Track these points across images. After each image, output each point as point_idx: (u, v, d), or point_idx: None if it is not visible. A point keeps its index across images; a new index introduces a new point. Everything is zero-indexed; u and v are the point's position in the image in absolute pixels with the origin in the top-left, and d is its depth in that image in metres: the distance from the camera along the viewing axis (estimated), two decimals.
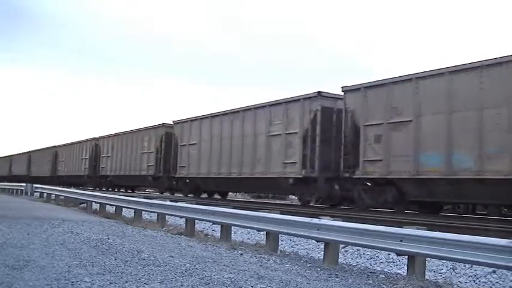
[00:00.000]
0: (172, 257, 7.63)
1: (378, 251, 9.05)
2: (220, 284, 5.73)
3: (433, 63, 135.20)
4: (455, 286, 6.84)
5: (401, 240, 6.79)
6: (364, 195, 16.50)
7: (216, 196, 27.84)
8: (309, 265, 7.84)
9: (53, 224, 12.04)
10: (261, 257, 8.35)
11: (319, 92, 18.10)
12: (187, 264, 6.93)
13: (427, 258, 7.23)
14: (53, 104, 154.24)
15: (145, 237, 10.33)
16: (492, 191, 12.99)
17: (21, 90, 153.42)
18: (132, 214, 15.13)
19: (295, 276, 6.60)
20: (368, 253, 9.38)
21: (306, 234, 8.43)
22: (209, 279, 5.93)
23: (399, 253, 7.14)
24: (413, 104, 14.61)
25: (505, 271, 7.12)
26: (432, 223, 10.90)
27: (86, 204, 19.38)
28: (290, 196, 34.52)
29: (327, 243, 8.01)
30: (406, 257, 7.12)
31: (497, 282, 7.34)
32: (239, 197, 35.87)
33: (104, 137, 38.66)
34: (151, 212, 14.60)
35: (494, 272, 7.49)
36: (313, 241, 9.61)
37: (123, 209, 16.18)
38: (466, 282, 7.41)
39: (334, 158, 17.78)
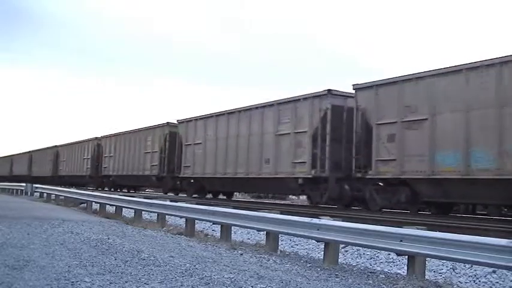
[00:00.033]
0: (172, 257, 7.62)
1: (378, 251, 9.05)
2: (220, 284, 5.73)
3: (433, 63, 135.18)
4: (455, 286, 6.84)
5: (401, 240, 6.79)
6: (376, 196, 16.16)
7: (221, 196, 27.53)
8: (309, 265, 7.84)
9: (53, 224, 12.04)
10: (261, 257, 8.35)
11: (329, 90, 17.71)
12: (187, 264, 6.93)
13: (427, 258, 7.23)
14: (53, 104, 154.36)
15: (145, 237, 10.33)
16: None
17: (21, 90, 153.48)
18: (132, 214, 15.13)
19: (295, 276, 6.59)
20: (368, 253, 9.38)
21: (306, 234, 8.43)
22: (209, 279, 5.93)
23: (399, 253, 7.14)
24: (428, 102, 14.24)
25: (505, 271, 7.12)
26: (432, 223, 10.91)
27: (86, 204, 19.37)
28: (290, 196, 34.47)
29: (327, 243, 8.01)
30: (406, 257, 7.12)
31: (497, 282, 7.34)
32: (239, 197, 35.84)
33: (106, 136, 38.33)
34: (151, 212, 14.59)
35: (494, 272, 7.49)
36: (313, 241, 9.61)
37: (123, 209, 16.17)
38: (466, 282, 7.41)
39: (344, 157, 17.46)
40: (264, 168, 20.43)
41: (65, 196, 22.92)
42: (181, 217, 12.65)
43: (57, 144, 49.69)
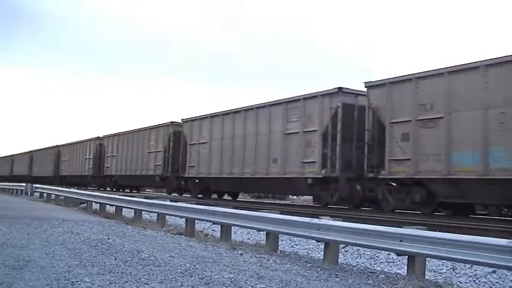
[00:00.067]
0: (172, 257, 7.63)
1: (378, 251, 9.05)
2: (220, 284, 5.73)
3: (433, 63, 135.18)
4: (455, 286, 6.84)
5: (401, 240, 6.79)
6: (389, 197, 15.71)
7: (226, 197, 27.16)
8: (309, 265, 7.84)
9: (53, 224, 12.04)
10: (261, 257, 8.35)
11: (339, 88, 17.31)
12: (187, 264, 6.93)
13: (427, 258, 7.23)
14: (53, 104, 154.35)
15: (145, 237, 10.33)
16: None
17: (21, 90, 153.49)
18: (132, 214, 15.13)
19: (295, 276, 6.60)
20: (368, 253, 9.38)
21: (306, 234, 8.43)
22: (209, 279, 5.93)
23: (399, 253, 7.14)
24: (444, 100, 13.79)
25: (505, 271, 7.12)
26: (432, 223, 10.91)
27: (86, 204, 19.37)
28: (290, 196, 34.39)
29: (327, 243, 8.01)
30: (406, 257, 7.12)
31: (497, 282, 7.34)
32: (239, 197, 35.76)
33: (109, 136, 37.86)
34: (151, 212, 14.59)
35: (494, 272, 7.49)
36: (313, 241, 9.61)
37: (123, 209, 16.18)
38: (466, 282, 7.41)
39: (355, 157, 17.12)
40: (271, 168, 20.00)
41: (65, 196, 22.92)
42: (181, 217, 12.65)
43: (59, 144, 49.41)
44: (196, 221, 12.11)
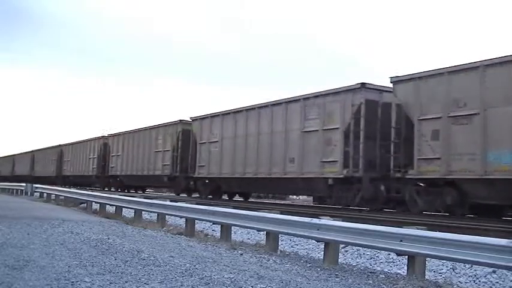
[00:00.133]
0: (172, 257, 7.62)
1: (378, 251, 9.05)
2: (220, 284, 5.73)
3: (434, 63, 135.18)
4: (455, 286, 6.84)
5: (401, 240, 6.79)
6: (418, 198, 14.91)
7: (237, 198, 26.60)
8: (309, 265, 7.84)
9: (53, 224, 12.04)
10: (261, 257, 8.34)
11: (362, 84, 16.58)
12: (187, 264, 6.93)
13: (427, 258, 7.23)
14: (54, 104, 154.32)
15: (145, 237, 10.32)
16: None
17: (21, 90, 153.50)
18: (132, 214, 15.12)
19: (295, 276, 6.59)
20: (368, 253, 9.38)
21: (306, 234, 8.43)
22: (209, 279, 5.93)
23: (399, 253, 7.14)
24: (480, 95, 13.04)
25: (505, 271, 7.12)
26: (432, 223, 10.90)
27: (86, 204, 19.37)
28: (291, 196, 34.26)
29: (327, 243, 8.01)
30: (406, 257, 7.12)
31: (497, 282, 7.34)
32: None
33: (114, 135, 37.24)
34: (151, 212, 14.59)
35: (494, 272, 7.49)
36: (313, 241, 9.61)
37: (123, 209, 16.17)
38: (466, 282, 7.41)
39: (379, 155, 16.48)
40: (288, 167, 19.25)
41: (65, 196, 22.91)
42: (181, 217, 12.65)
43: (61, 143, 48.87)
44: (196, 221, 12.11)
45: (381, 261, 8.96)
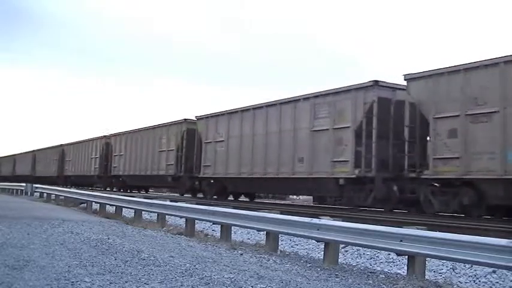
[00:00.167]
0: (172, 257, 7.63)
1: (378, 251, 9.05)
2: (220, 284, 5.73)
3: (433, 63, 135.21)
4: (455, 286, 6.84)
5: (401, 240, 6.79)
6: (433, 199, 14.52)
7: (243, 198, 26.22)
8: (309, 265, 7.84)
9: (53, 224, 12.04)
10: (261, 257, 8.35)
11: (375, 81, 16.14)
12: (187, 264, 6.93)
13: (427, 258, 7.23)
14: (54, 104, 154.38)
15: (145, 237, 10.33)
16: None
17: (21, 90, 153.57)
18: (132, 214, 15.13)
19: (295, 276, 6.59)
20: (368, 253, 9.38)
21: (306, 234, 8.43)
22: (209, 279, 5.93)
23: (399, 253, 7.14)
24: (500, 92, 12.66)
25: (505, 271, 7.12)
26: (432, 223, 10.90)
27: (86, 204, 19.38)
28: (291, 196, 34.23)
29: (327, 243, 8.01)
30: (406, 257, 7.12)
31: (497, 282, 7.34)
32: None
33: (116, 134, 36.63)
34: (151, 212, 14.59)
35: (494, 272, 7.49)
36: (313, 241, 9.61)
37: (123, 209, 16.18)
38: (466, 282, 7.41)
39: (392, 155, 16.11)
40: (297, 167, 18.82)
41: (65, 196, 22.92)
42: (181, 217, 12.65)
43: (63, 143, 48.34)
44: (196, 221, 12.11)
45: (381, 261, 8.97)
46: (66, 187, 34.37)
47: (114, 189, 35.35)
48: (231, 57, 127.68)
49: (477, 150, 13.17)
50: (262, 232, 10.12)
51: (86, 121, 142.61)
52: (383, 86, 16.32)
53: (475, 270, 7.69)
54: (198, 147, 25.57)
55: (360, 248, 9.22)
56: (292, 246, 10.63)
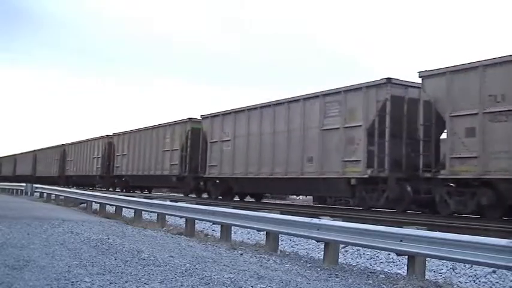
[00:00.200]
0: (172, 257, 7.63)
1: (378, 251, 9.05)
2: (220, 284, 5.73)
3: (434, 63, 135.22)
4: (455, 286, 6.84)
5: (401, 240, 6.79)
6: (449, 199, 14.18)
7: (249, 199, 25.86)
8: (309, 265, 7.84)
9: (53, 224, 12.04)
10: (261, 257, 8.35)
11: (388, 79, 15.76)
12: (187, 264, 6.93)
13: (427, 258, 7.23)
14: (54, 104, 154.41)
15: (145, 237, 10.33)
16: None
17: (21, 90, 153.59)
18: (132, 214, 15.13)
19: (295, 276, 6.60)
20: (368, 253, 9.38)
21: (306, 234, 8.43)
22: (209, 279, 5.93)
23: (399, 253, 7.14)
24: None
25: (505, 271, 7.12)
26: (432, 223, 10.90)
27: (86, 204, 19.38)
28: (291, 196, 34.16)
29: (327, 243, 8.01)
30: (406, 257, 7.12)
31: (497, 282, 7.34)
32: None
33: (119, 134, 36.13)
34: (151, 212, 14.59)
35: (494, 272, 7.49)
36: (313, 241, 9.61)
37: (123, 209, 16.18)
38: (466, 282, 7.41)
39: (405, 154, 15.83)
40: (306, 167, 18.45)
41: (65, 196, 22.92)
42: (181, 217, 12.65)
43: (64, 142, 47.81)
44: (196, 221, 12.11)
45: (381, 261, 8.97)
46: (67, 187, 34.28)
47: (116, 190, 34.99)
48: (231, 57, 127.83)
49: (496, 150, 12.85)
50: (262, 232, 10.12)
51: (87, 121, 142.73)
52: (396, 84, 16.00)
53: (475, 270, 7.69)
54: (203, 147, 25.25)
55: (360, 248, 9.22)
56: (292, 246, 10.63)
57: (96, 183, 39.57)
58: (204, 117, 25.46)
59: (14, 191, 33.85)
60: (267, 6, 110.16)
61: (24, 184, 33.24)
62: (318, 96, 18.35)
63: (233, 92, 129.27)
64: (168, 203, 14.29)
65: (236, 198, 24.87)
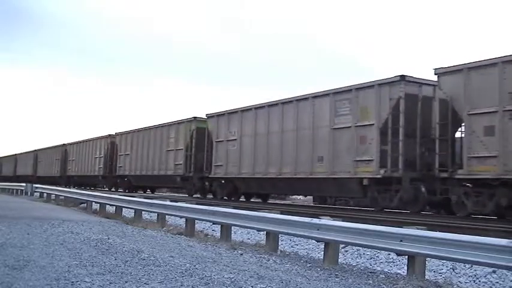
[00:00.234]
0: (172, 257, 7.63)
1: (378, 251, 9.05)
2: (220, 284, 5.73)
3: (433, 63, 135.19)
4: (455, 286, 6.84)
5: (401, 240, 6.79)
6: (466, 200, 13.77)
7: (255, 199, 25.50)
8: (309, 265, 7.84)
9: (53, 224, 12.05)
10: (261, 257, 8.35)
11: (402, 76, 15.31)
12: (187, 264, 6.93)
13: (427, 258, 7.23)
14: (54, 104, 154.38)
15: (145, 237, 10.33)
16: None
17: (21, 90, 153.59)
18: (132, 214, 15.13)
19: (295, 276, 6.60)
20: (368, 253, 9.38)
21: (306, 234, 8.43)
22: (209, 279, 5.93)
23: (399, 253, 7.14)
24: None
25: (505, 271, 7.12)
26: (432, 223, 10.90)
27: (86, 204, 19.38)
28: (291, 196, 34.10)
29: (327, 243, 8.01)
30: (406, 257, 7.12)
31: (497, 282, 7.34)
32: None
33: (122, 133, 35.59)
34: (151, 212, 14.59)
35: (494, 272, 7.49)
36: (313, 241, 9.61)
37: (123, 209, 16.18)
38: (466, 282, 7.41)
39: (419, 154, 15.48)
40: (316, 167, 18.00)
41: (65, 196, 22.92)
42: (181, 217, 12.65)
43: (66, 142, 47.30)
44: (196, 221, 12.12)
45: (381, 261, 8.96)
46: (67, 187, 34.22)
47: (119, 190, 34.65)
48: (231, 57, 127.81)
49: None
50: (262, 232, 10.12)
51: (87, 121, 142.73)
52: (410, 81, 15.58)
53: (475, 270, 7.69)
54: (209, 146, 24.89)
55: (360, 248, 9.21)
56: (292, 246, 10.63)
57: (99, 184, 39.26)
58: (210, 116, 24.96)
59: (14, 191, 33.86)
60: (267, 6, 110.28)
61: (24, 184, 33.18)
62: (328, 94, 17.92)
63: (233, 92, 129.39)
64: (168, 203, 14.28)
65: (242, 199, 24.57)
